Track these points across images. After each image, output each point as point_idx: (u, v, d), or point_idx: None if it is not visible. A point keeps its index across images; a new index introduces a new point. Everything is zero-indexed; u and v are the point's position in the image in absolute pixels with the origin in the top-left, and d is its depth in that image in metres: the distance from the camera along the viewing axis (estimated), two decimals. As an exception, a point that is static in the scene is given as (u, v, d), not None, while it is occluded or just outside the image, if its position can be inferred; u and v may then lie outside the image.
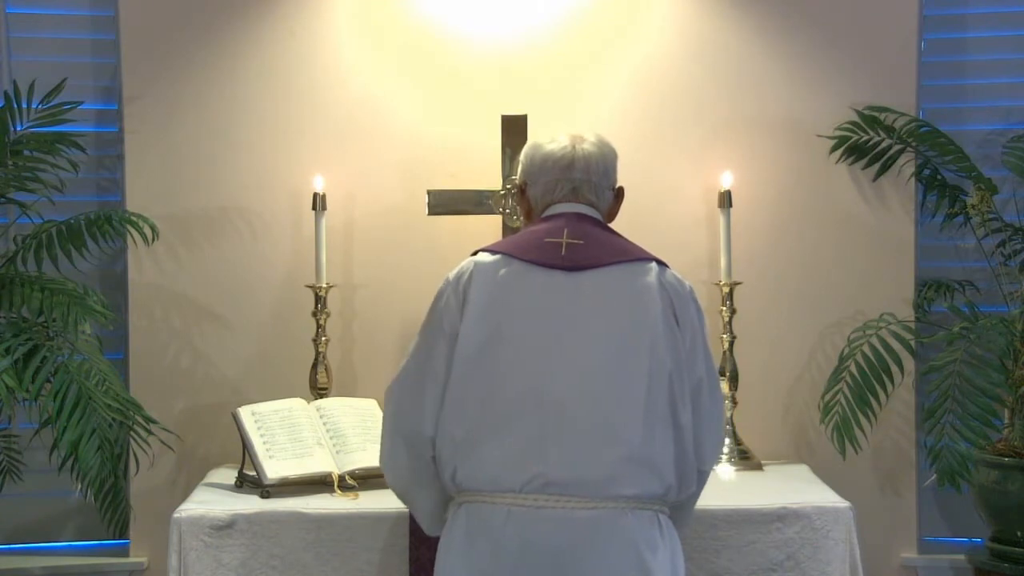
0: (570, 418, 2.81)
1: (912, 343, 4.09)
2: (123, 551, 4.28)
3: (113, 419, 3.72)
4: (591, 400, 2.82)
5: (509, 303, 2.89)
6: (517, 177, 3.14)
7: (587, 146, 3.02)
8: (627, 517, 2.80)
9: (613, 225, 3.08)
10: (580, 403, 2.81)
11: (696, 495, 3.04)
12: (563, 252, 2.91)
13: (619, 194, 3.10)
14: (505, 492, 2.82)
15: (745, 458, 4.11)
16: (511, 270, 2.91)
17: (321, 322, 4.14)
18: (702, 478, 2.99)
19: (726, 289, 4.13)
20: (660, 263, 2.96)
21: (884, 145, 4.23)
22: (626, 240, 3.01)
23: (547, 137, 3.08)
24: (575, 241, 2.92)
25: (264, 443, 3.78)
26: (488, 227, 4.10)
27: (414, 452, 2.96)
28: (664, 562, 2.84)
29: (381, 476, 3.76)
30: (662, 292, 2.89)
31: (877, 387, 4.03)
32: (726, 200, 4.14)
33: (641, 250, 2.98)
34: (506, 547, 2.80)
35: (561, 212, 3.00)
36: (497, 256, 2.95)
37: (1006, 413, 4.07)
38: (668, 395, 2.84)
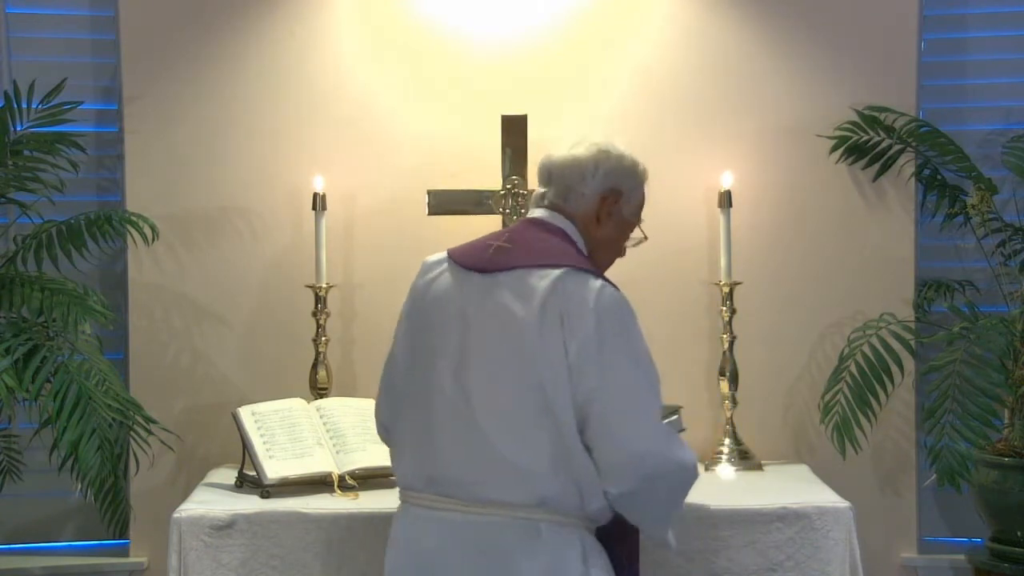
0: (450, 419, 2.85)
1: (912, 343, 4.09)
2: (123, 551, 4.28)
3: (113, 419, 3.72)
4: (466, 402, 2.84)
5: (426, 301, 2.97)
6: None
7: (580, 150, 3.02)
8: (500, 524, 2.81)
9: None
10: (459, 404, 2.84)
11: (636, 508, 2.87)
12: (490, 254, 2.93)
13: (606, 196, 3.02)
14: (411, 490, 2.93)
15: (745, 458, 4.11)
16: (442, 270, 2.97)
17: (321, 322, 4.14)
18: (620, 501, 2.84)
19: (726, 289, 4.13)
20: (581, 270, 2.86)
21: (884, 145, 4.23)
22: (562, 246, 2.93)
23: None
24: (505, 244, 2.94)
25: (264, 443, 3.78)
26: (488, 227, 4.08)
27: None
28: (538, 573, 2.80)
29: (381, 476, 3.78)
30: (550, 298, 2.82)
31: (877, 387, 4.03)
32: (726, 200, 4.14)
33: (563, 256, 2.90)
34: (403, 546, 2.94)
35: (524, 217, 3.09)
36: (441, 256, 3.02)
37: (1006, 413, 4.07)
38: (542, 402, 2.79)
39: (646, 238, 3.15)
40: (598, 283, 2.85)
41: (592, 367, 2.78)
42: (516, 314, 2.82)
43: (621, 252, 3.12)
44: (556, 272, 2.85)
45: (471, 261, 2.93)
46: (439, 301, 2.93)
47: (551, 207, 3.01)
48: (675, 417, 3.47)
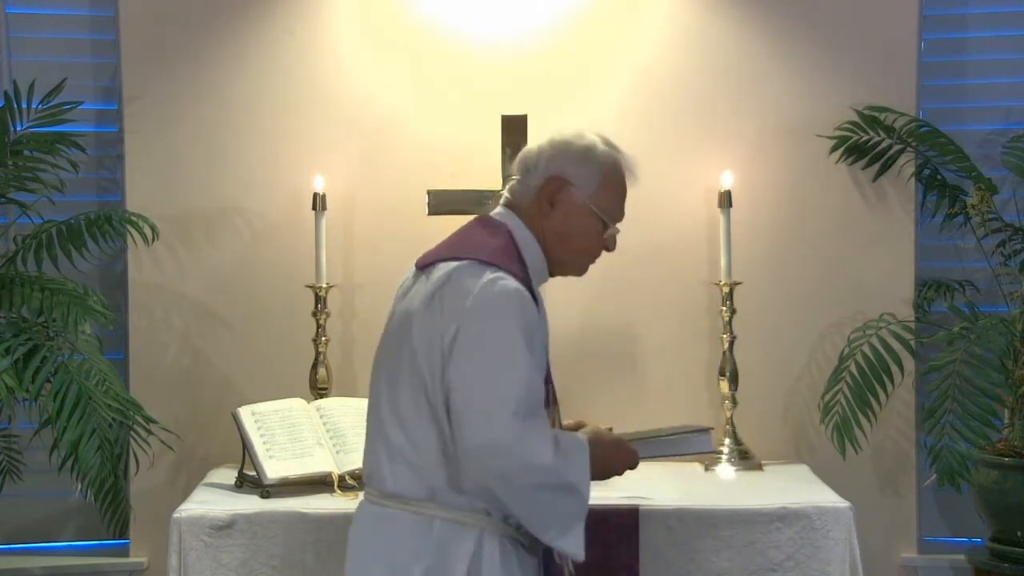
0: (372, 413, 2.88)
1: (912, 343, 4.09)
2: (123, 551, 4.28)
3: (113, 419, 3.72)
4: (377, 394, 2.86)
5: (391, 305, 2.98)
6: None
7: (537, 142, 2.96)
8: (401, 517, 2.80)
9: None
10: (376, 398, 2.87)
11: (506, 509, 2.75)
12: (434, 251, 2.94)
13: (544, 185, 2.90)
14: (366, 485, 2.94)
15: (745, 458, 4.11)
16: (410, 272, 2.97)
17: (321, 322, 4.14)
18: (483, 498, 2.75)
19: (726, 289, 4.13)
20: (483, 263, 2.79)
21: (884, 145, 4.23)
22: (487, 241, 2.88)
23: None
24: (446, 242, 2.94)
25: (264, 443, 3.78)
26: (488, 227, 4.10)
27: None
28: (425, 570, 2.77)
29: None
30: (439, 288, 2.79)
31: (877, 387, 4.03)
32: (726, 200, 4.14)
33: (476, 249, 2.85)
34: (349, 537, 2.93)
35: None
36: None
37: (1006, 413, 4.07)
38: (424, 394, 2.76)
39: (617, 231, 2.96)
40: (491, 276, 2.76)
41: (456, 356, 2.72)
42: (413, 306, 2.82)
43: (597, 246, 2.96)
44: (455, 264, 2.81)
45: (420, 260, 2.93)
46: (393, 302, 2.96)
47: (504, 203, 2.97)
48: (689, 434, 3.17)
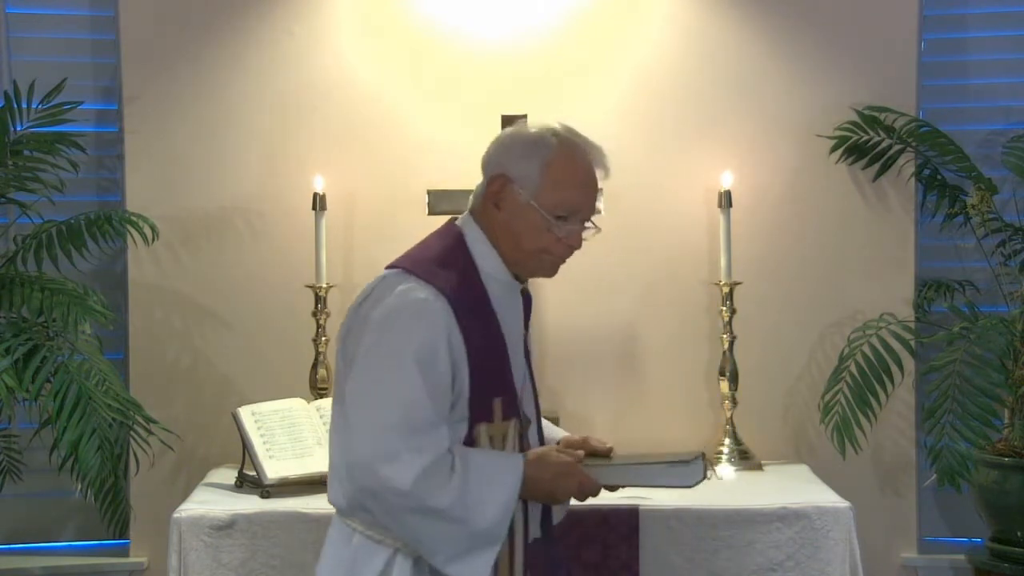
0: None
1: (912, 343, 4.09)
2: (123, 551, 4.28)
3: (113, 419, 3.72)
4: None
5: None
6: None
7: None
8: (334, 525, 2.79)
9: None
10: None
11: (385, 513, 2.62)
12: None
13: (488, 186, 2.75)
14: None
15: (745, 458, 4.11)
16: None
17: (321, 322, 4.14)
18: (371, 500, 2.63)
19: (726, 289, 4.13)
20: (407, 272, 2.69)
21: (884, 145, 4.23)
22: (430, 248, 2.77)
23: None
24: None
25: (264, 443, 3.78)
26: (488, 227, 4.10)
27: None
28: None
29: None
30: (363, 299, 2.73)
31: (877, 387, 4.03)
32: (726, 200, 4.14)
33: (408, 258, 2.76)
34: None
35: None
36: None
37: (1006, 413, 4.07)
38: (342, 405, 2.71)
39: (584, 227, 2.75)
40: (405, 286, 2.65)
41: (352, 370, 2.66)
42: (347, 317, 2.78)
43: (555, 245, 2.72)
44: (386, 273, 2.74)
45: None
46: None
47: (469, 206, 2.82)
48: (666, 464, 2.75)
